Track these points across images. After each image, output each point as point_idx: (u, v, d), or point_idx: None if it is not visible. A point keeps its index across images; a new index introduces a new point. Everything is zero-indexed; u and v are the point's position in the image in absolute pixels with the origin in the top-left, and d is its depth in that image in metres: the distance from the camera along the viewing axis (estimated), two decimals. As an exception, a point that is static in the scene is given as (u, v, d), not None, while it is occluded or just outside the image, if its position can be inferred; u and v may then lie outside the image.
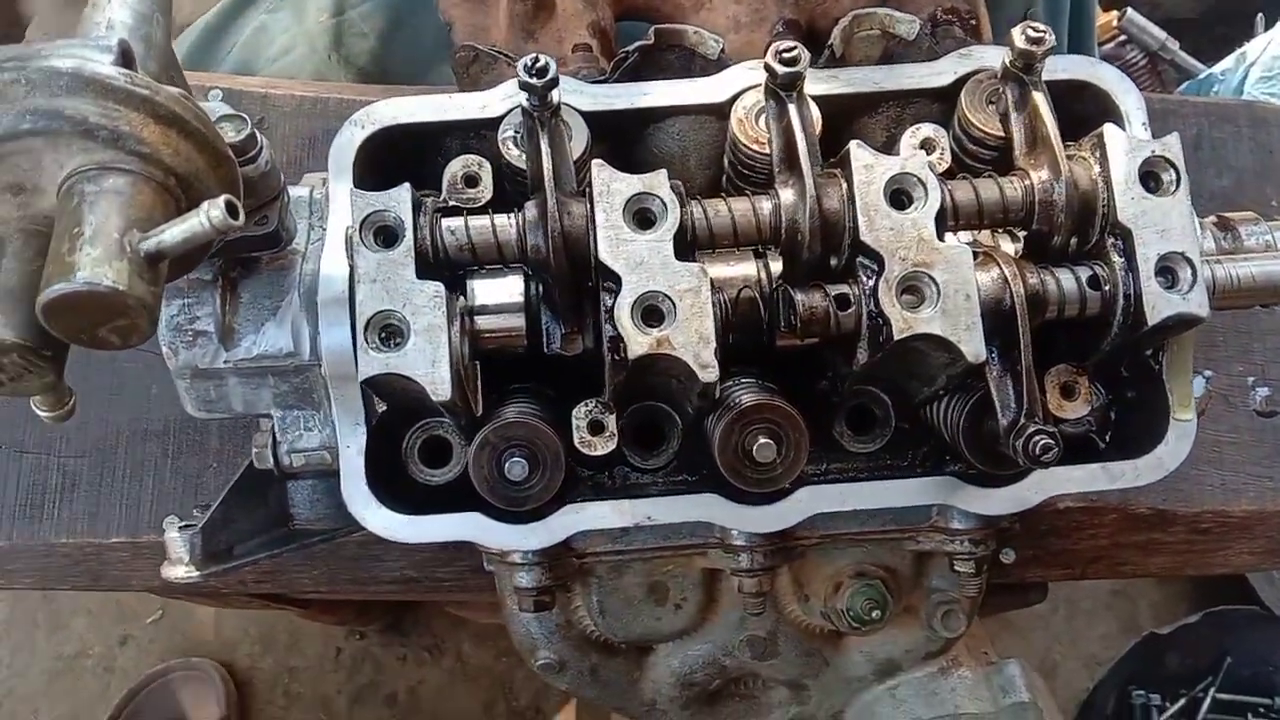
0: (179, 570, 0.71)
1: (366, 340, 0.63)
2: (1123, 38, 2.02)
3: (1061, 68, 0.74)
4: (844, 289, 0.65)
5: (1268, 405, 0.98)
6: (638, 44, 0.82)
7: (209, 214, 0.48)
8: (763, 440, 0.69)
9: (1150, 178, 0.67)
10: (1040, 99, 0.68)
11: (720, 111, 0.74)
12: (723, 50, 0.81)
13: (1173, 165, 0.67)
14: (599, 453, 0.72)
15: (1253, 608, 1.83)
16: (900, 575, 0.81)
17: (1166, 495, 0.94)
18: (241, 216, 0.49)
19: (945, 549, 0.78)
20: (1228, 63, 2.06)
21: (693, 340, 0.63)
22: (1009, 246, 0.73)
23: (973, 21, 0.85)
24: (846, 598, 0.80)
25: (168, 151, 0.52)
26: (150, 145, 0.51)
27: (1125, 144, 0.67)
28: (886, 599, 0.80)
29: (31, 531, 0.91)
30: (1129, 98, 0.74)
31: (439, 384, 0.63)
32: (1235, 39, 2.06)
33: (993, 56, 0.73)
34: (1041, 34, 0.67)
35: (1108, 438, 0.77)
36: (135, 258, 0.49)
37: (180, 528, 0.73)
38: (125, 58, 0.53)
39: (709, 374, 0.64)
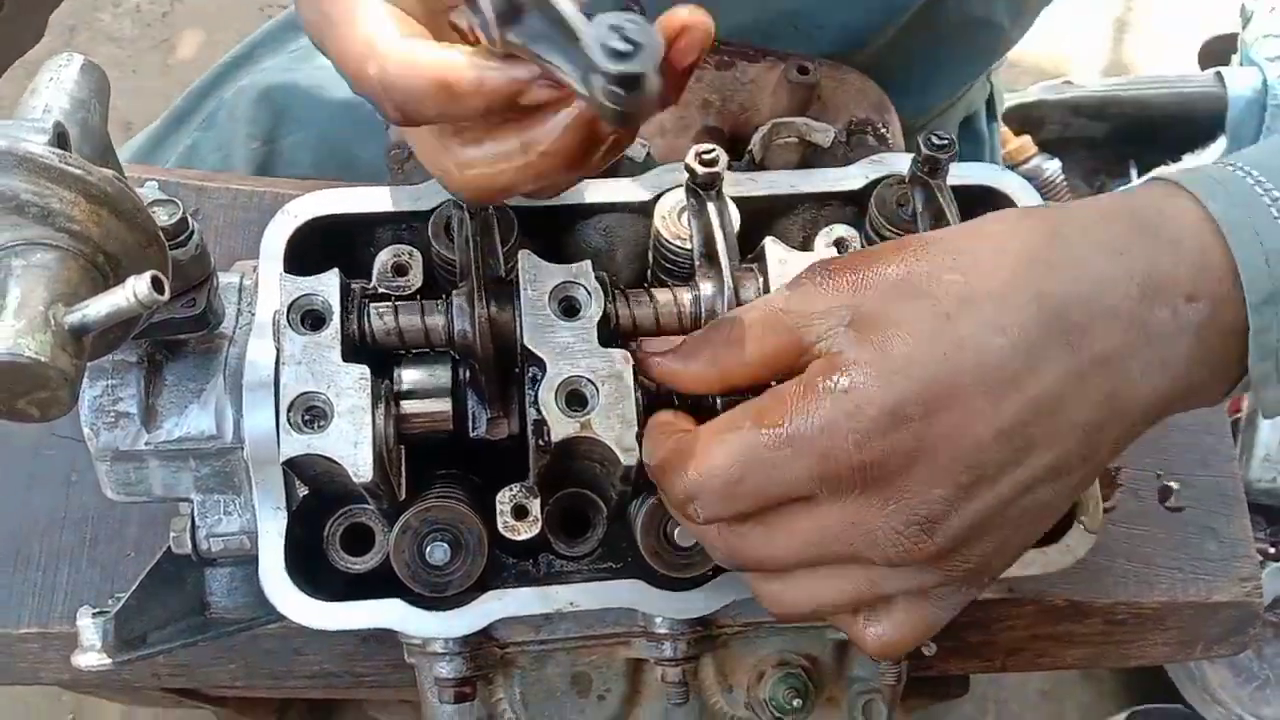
0: (90, 658, 0.70)
1: (289, 421, 0.64)
2: (1040, 156, 2.13)
3: (968, 174, 0.79)
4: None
5: (1175, 500, 1.01)
6: (568, 145, 0.86)
7: (135, 288, 0.49)
8: (684, 525, 0.70)
9: (1049, 276, 0.71)
10: (945, 201, 0.72)
11: (645, 209, 0.77)
12: (649, 154, 0.85)
13: (1069, 264, 0.71)
14: (523, 537, 0.72)
15: (1177, 706, 1.86)
16: (822, 664, 0.82)
17: (1081, 587, 0.96)
18: (167, 292, 0.50)
19: (865, 637, 0.79)
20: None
21: (615, 424, 0.65)
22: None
23: (884, 131, 0.89)
24: (769, 687, 0.80)
25: (97, 230, 0.53)
26: (80, 223, 0.53)
27: (1024, 244, 0.71)
28: (808, 688, 0.80)
29: (-61, 623, 0.89)
30: (1030, 202, 0.78)
31: (361, 465, 0.63)
32: (1141, 157, 2.20)
33: (901, 163, 0.77)
34: (945, 141, 0.71)
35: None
36: (59, 330, 0.50)
37: (94, 614, 0.71)
38: (60, 139, 0.55)
39: (631, 457, 0.65)
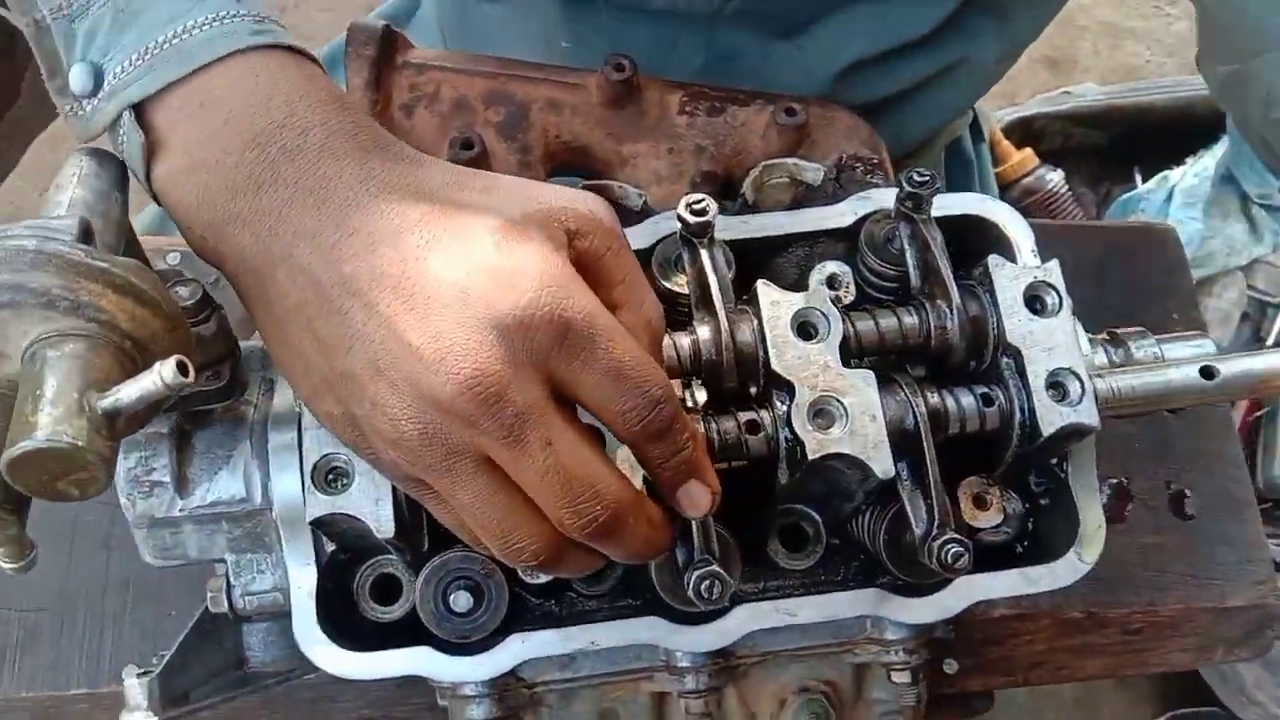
0: (137, 717, 0.73)
1: (313, 482, 0.67)
2: (1043, 168, 2.15)
3: (955, 204, 0.81)
4: (753, 415, 0.70)
5: (1187, 508, 1.03)
6: (568, 198, 0.89)
7: (161, 373, 0.52)
8: (696, 562, 0.73)
9: (1035, 300, 0.73)
10: (929, 234, 0.75)
11: (644, 258, 0.80)
12: (645, 202, 0.88)
13: (1054, 288, 0.73)
14: (542, 580, 0.76)
15: (1213, 709, 1.85)
16: (842, 689, 0.84)
17: (1097, 598, 0.98)
18: (192, 374, 0.53)
19: (881, 660, 0.82)
20: (1152, 184, 2.19)
21: (624, 469, 0.68)
22: (918, 371, 0.79)
23: (874, 161, 0.92)
24: (791, 714, 0.82)
25: (124, 317, 0.57)
26: (108, 313, 0.56)
27: (1010, 271, 0.74)
28: (830, 713, 0.82)
29: (-8, 688, 0.92)
30: (1016, 228, 0.80)
31: (383, 521, 0.67)
32: (1144, 162, 2.22)
33: (889, 198, 0.80)
34: (926, 178, 0.74)
35: (1026, 544, 0.82)
36: (93, 416, 0.53)
37: (139, 674, 0.75)
38: (85, 234, 0.59)
39: (639, 502, 0.68)
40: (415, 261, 0.56)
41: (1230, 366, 0.73)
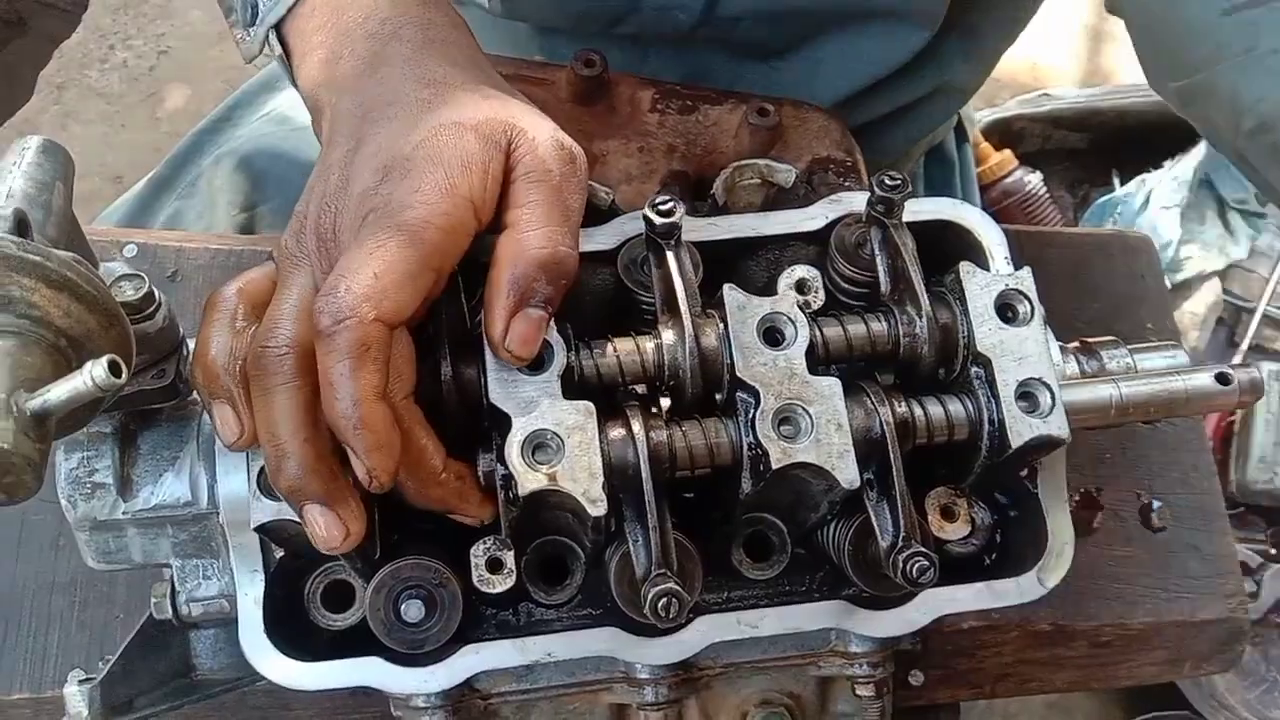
0: (75, 726, 0.70)
1: (259, 487, 0.65)
2: (1021, 170, 2.14)
3: (927, 209, 0.79)
4: (718, 424, 0.68)
5: (1158, 520, 1.01)
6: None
7: (92, 373, 0.50)
8: (657, 572, 0.71)
9: (1006, 309, 0.72)
10: (900, 240, 0.73)
11: (610, 258, 0.78)
12: (613, 201, 0.86)
13: (1026, 297, 0.72)
14: (498, 590, 0.73)
15: (1184, 713, 1.85)
16: (805, 702, 0.82)
17: (1065, 611, 0.97)
18: (125, 374, 0.51)
19: (845, 673, 0.80)
20: (1130, 187, 2.19)
21: (582, 475, 0.66)
22: (887, 378, 0.77)
23: (847, 164, 0.90)
24: (752, 726, 0.80)
25: (58, 314, 0.55)
26: (41, 309, 0.54)
27: (981, 279, 0.72)
28: (792, 726, 0.80)
29: (-69, 691, 0.89)
30: (990, 234, 0.79)
31: (330, 528, 0.64)
32: (1123, 165, 2.21)
33: (860, 201, 0.78)
34: (897, 181, 0.72)
35: (994, 556, 0.80)
36: (21, 417, 0.51)
37: (80, 681, 0.72)
38: (20, 226, 0.56)
39: (598, 508, 0.66)
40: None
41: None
